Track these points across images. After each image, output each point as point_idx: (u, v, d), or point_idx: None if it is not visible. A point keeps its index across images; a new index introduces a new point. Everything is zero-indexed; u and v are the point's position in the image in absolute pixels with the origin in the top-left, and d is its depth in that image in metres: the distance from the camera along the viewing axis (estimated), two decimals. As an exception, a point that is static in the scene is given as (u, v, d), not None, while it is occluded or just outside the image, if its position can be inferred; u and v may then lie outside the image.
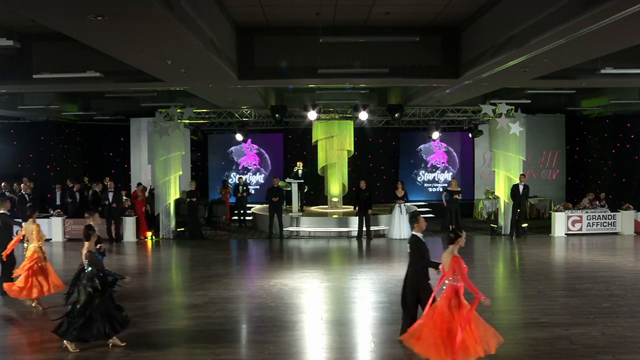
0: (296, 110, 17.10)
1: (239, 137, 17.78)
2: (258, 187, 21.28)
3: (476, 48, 10.76)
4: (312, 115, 16.58)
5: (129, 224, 15.87)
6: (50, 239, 9.26)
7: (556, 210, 16.35)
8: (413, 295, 7.06)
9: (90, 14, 6.57)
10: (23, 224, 9.32)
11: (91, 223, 8.11)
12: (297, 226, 16.64)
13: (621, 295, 9.47)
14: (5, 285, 9.02)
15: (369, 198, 15.61)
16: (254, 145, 21.64)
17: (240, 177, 19.76)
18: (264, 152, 21.81)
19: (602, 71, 11.17)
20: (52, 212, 16.46)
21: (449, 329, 5.95)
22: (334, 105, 17.37)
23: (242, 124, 17.47)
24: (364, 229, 15.66)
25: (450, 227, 16.97)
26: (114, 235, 15.68)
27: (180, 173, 16.73)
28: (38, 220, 9.40)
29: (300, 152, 20.44)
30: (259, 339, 7.49)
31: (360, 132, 19.29)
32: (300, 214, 17.41)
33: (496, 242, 15.38)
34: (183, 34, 7.74)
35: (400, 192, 15.98)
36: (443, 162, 21.89)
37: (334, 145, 18.12)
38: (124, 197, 16.17)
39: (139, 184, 17.16)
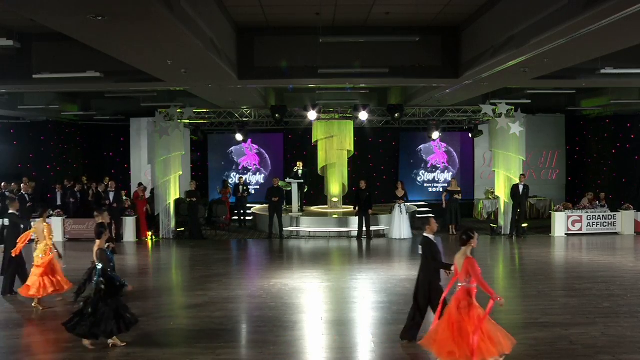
0: (296, 110, 17.10)
1: (239, 137, 17.78)
2: (258, 187, 21.27)
3: (476, 48, 10.75)
4: (312, 115, 16.58)
5: (129, 224, 15.87)
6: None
7: (556, 210, 16.35)
8: (425, 296, 7.07)
9: (91, 14, 6.57)
10: (33, 223, 9.36)
11: (102, 221, 8.12)
12: (297, 226, 16.64)
13: (621, 295, 9.48)
14: (22, 290, 9.01)
15: (369, 198, 15.61)
16: (254, 145, 21.64)
17: (241, 177, 19.76)
18: (264, 152, 21.81)
19: (602, 71, 11.17)
20: (51, 212, 16.43)
21: (459, 328, 5.95)
22: (334, 105, 17.38)
23: (242, 124, 17.47)
24: (364, 229, 15.66)
25: (451, 227, 17.05)
26: (114, 235, 15.64)
27: (180, 173, 16.73)
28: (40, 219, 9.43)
29: (300, 152, 20.43)
30: (259, 339, 7.49)
31: (360, 132, 19.28)
32: (300, 214, 17.41)
33: (496, 242, 15.38)
34: (183, 34, 7.74)
35: (400, 192, 15.99)
36: (443, 162, 21.89)
37: (334, 145, 18.11)
38: (124, 197, 16.17)
39: (140, 184, 17.15)
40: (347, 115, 17.43)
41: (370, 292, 9.90)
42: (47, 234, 9.01)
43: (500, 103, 16.35)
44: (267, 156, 21.80)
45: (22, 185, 16.45)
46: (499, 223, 16.72)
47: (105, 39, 8.06)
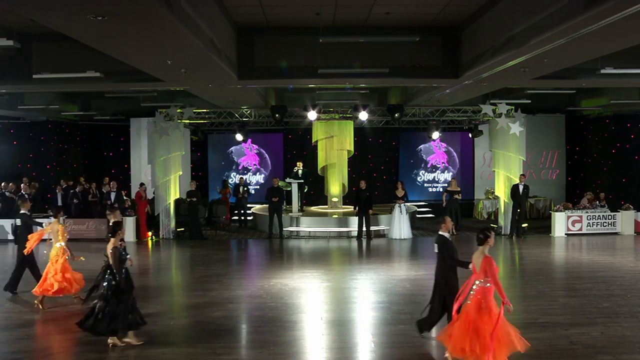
0: (296, 110, 17.10)
1: (239, 137, 17.78)
2: (258, 187, 21.26)
3: (476, 48, 10.76)
4: (312, 115, 16.58)
5: (129, 224, 15.85)
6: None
7: (556, 210, 16.34)
8: (441, 295, 7.12)
9: (91, 14, 6.57)
10: (44, 223, 9.36)
11: (116, 220, 8.12)
12: (297, 226, 16.64)
13: (621, 295, 9.47)
14: (38, 291, 8.98)
15: (369, 198, 15.60)
16: (254, 145, 21.64)
17: (241, 177, 19.74)
18: (264, 152, 21.81)
19: (602, 71, 11.17)
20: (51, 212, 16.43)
21: (475, 328, 5.95)
22: (334, 105, 17.38)
23: (242, 124, 17.47)
24: (364, 229, 15.66)
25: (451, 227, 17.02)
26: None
27: (180, 173, 16.73)
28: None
29: (300, 152, 20.42)
30: (259, 339, 7.49)
31: (360, 132, 19.28)
32: (300, 214, 17.41)
33: (496, 242, 15.25)
34: (183, 34, 7.74)
35: (400, 192, 15.98)
36: (443, 162, 21.88)
37: (334, 145, 18.11)
38: (124, 197, 16.15)
39: (142, 184, 17.12)
40: (347, 115, 17.43)
41: (370, 292, 9.90)
42: (61, 234, 9.06)
43: (500, 103, 16.34)
44: (267, 156, 21.80)
45: (21, 185, 16.45)
46: (499, 223, 16.72)
47: (105, 39, 8.06)
